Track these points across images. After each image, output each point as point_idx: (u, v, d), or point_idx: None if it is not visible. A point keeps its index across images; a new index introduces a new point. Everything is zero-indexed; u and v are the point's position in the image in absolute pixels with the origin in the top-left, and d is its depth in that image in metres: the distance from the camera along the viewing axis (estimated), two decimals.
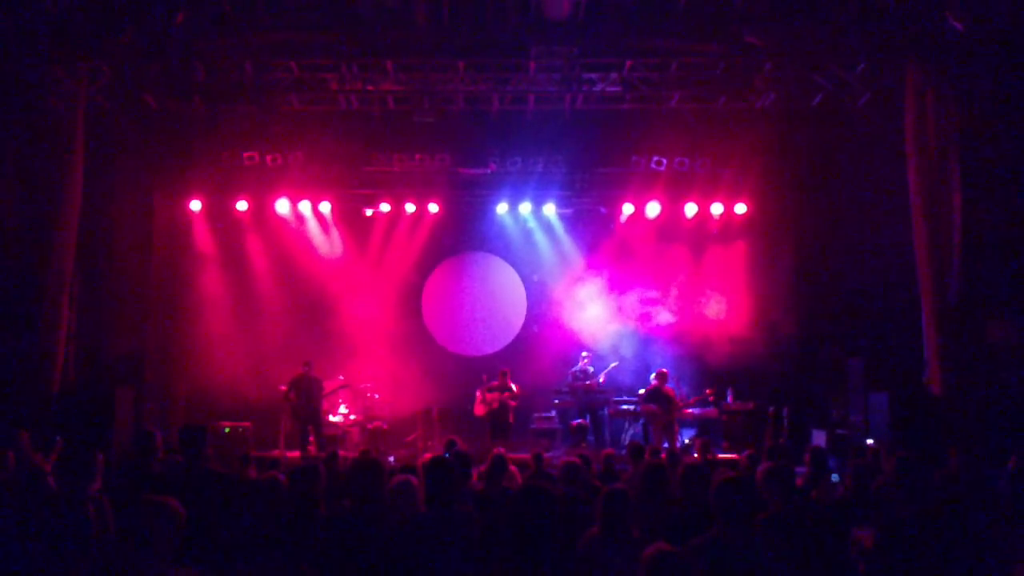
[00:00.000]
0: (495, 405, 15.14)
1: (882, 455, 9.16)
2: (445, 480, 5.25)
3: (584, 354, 16.23)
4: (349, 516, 5.17)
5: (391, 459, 12.56)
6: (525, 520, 3.46)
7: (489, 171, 16.43)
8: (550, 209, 17.33)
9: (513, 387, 15.42)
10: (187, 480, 5.95)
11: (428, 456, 6.82)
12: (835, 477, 8.13)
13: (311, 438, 14.73)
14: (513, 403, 15.28)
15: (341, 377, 15.62)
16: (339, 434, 15.44)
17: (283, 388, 14.84)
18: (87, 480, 5.31)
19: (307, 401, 14.68)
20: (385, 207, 17.21)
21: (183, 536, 4.05)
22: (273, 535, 5.39)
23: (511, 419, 15.22)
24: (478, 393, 15.57)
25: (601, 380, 15.93)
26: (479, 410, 15.55)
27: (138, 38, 12.47)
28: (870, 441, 12.64)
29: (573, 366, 16.14)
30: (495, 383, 15.42)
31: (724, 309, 16.85)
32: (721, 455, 13.40)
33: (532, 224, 17.69)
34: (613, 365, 16.15)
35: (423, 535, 5.04)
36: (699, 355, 16.73)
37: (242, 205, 16.81)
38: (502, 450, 10.14)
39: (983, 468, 7.15)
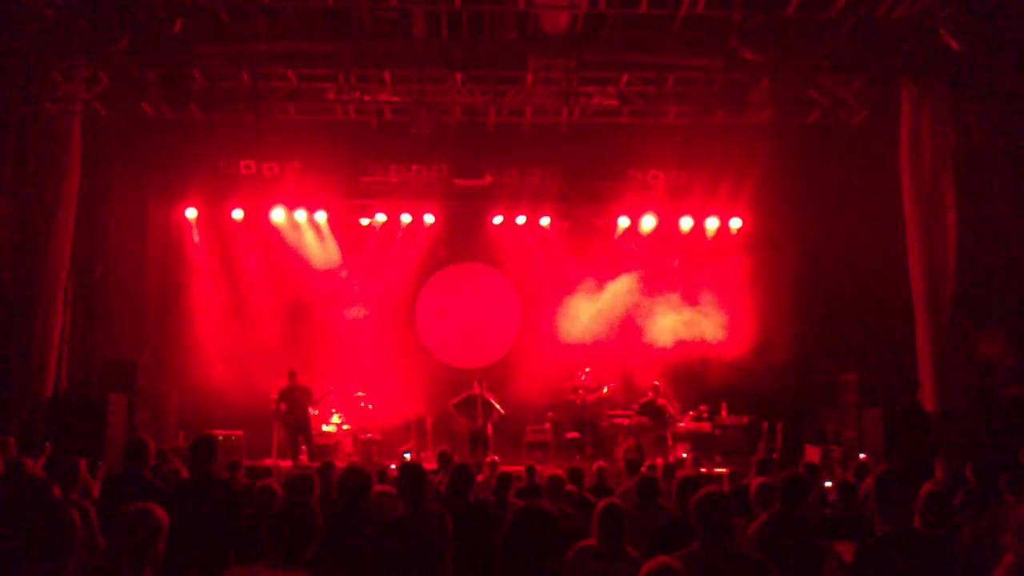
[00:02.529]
0: (479, 422, 15.04)
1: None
2: (416, 484, 5.49)
3: (586, 369, 16.19)
4: (338, 523, 5.26)
5: (392, 467, 12.53)
6: (524, 540, 3.48)
7: (486, 183, 16.44)
8: (546, 221, 17.33)
9: (497, 406, 15.28)
10: (198, 490, 6.01)
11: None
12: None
13: (303, 447, 14.70)
14: (494, 420, 15.18)
15: (332, 389, 15.59)
16: (331, 444, 15.39)
17: (274, 397, 14.85)
18: (71, 485, 5.31)
19: (296, 410, 14.67)
20: (381, 217, 17.23)
21: (168, 543, 4.05)
22: (272, 543, 5.43)
23: (490, 433, 15.11)
24: (453, 411, 15.41)
25: (606, 392, 15.86)
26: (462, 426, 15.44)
27: (135, 45, 12.48)
28: (863, 456, 12.64)
29: (571, 380, 16.07)
30: (473, 392, 15.23)
31: (719, 323, 16.85)
32: (715, 470, 13.40)
33: (528, 236, 17.68)
34: (607, 389, 16.05)
35: (400, 538, 5.21)
36: (693, 369, 16.73)
37: (238, 213, 16.79)
38: (497, 458, 10.15)
39: (972, 484, 7.14)
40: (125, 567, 3.95)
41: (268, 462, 13.92)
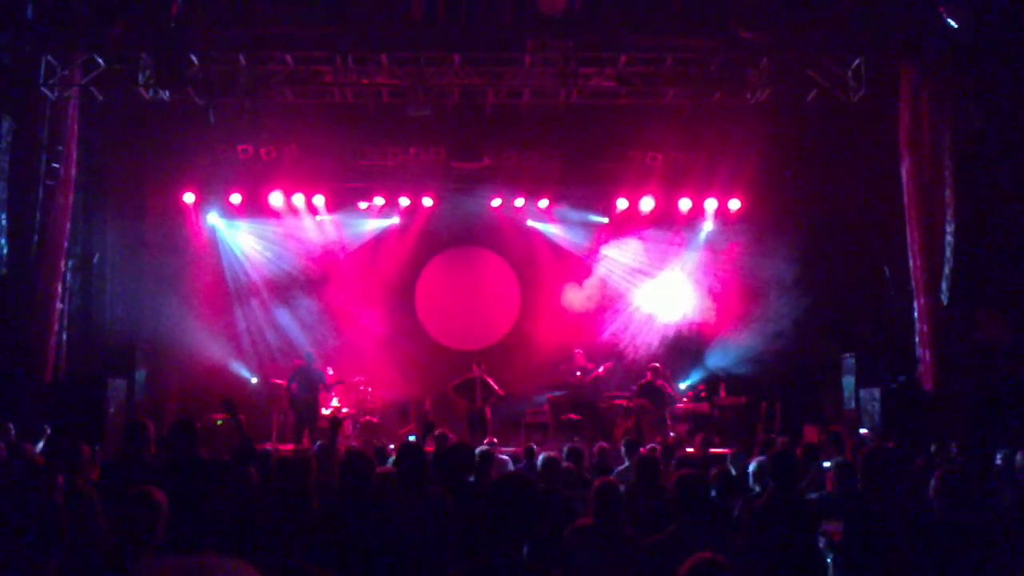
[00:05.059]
0: (478, 404, 15.06)
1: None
2: (416, 465, 5.50)
3: (577, 351, 16.21)
4: (339, 506, 5.27)
5: (391, 447, 12.55)
6: (504, 507, 3.49)
7: (484, 165, 16.40)
8: (544, 203, 17.31)
9: (495, 387, 15.29)
10: (181, 470, 5.95)
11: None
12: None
13: (306, 430, 14.73)
14: (492, 402, 15.24)
15: (330, 370, 15.63)
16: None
17: (276, 381, 14.87)
18: (73, 470, 5.33)
19: (306, 395, 14.66)
20: (379, 201, 17.19)
21: (168, 526, 4.06)
22: (264, 526, 5.43)
23: (489, 415, 15.14)
24: (452, 393, 15.45)
25: (602, 371, 15.88)
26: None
27: (132, 29, 12.43)
28: (864, 431, 12.67)
29: (566, 362, 16.09)
30: (471, 375, 15.25)
31: (718, 304, 16.87)
32: (712, 450, 13.41)
33: (526, 218, 17.67)
34: (605, 367, 16.05)
35: (401, 519, 5.23)
36: (692, 349, 16.77)
37: (236, 198, 16.76)
38: (495, 440, 10.14)
39: (970, 463, 7.15)
40: (125, 550, 3.97)
41: (268, 446, 13.93)
